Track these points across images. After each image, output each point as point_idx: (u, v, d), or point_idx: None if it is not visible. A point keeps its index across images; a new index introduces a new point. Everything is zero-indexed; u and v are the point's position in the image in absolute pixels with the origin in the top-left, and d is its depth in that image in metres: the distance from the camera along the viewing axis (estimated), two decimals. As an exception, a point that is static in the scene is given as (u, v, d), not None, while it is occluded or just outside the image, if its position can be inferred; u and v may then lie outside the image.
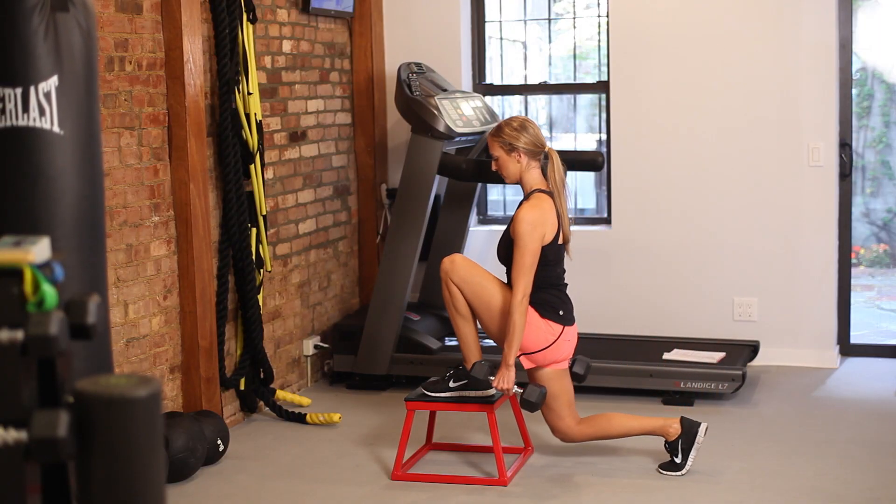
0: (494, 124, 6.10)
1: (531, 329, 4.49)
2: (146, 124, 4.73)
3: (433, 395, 4.61)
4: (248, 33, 5.23)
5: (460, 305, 4.56)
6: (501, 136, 4.54)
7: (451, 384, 4.60)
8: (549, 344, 4.53)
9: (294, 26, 5.88)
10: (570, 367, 4.66)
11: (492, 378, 4.48)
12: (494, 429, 4.53)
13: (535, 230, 4.44)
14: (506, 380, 4.47)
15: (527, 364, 4.56)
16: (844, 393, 5.74)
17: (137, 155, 4.68)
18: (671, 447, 4.58)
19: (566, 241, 4.60)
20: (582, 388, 5.70)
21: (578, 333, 6.22)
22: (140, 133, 4.69)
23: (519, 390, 4.51)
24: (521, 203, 4.56)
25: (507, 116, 7.04)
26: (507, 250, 4.56)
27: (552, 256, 4.52)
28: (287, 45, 5.81)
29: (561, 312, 4.56)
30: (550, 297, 4.54)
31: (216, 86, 5.16)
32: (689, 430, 4.57)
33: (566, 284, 4.65)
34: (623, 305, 6.43)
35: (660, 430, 4.60)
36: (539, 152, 4.56)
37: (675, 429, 4.58)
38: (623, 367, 5.61)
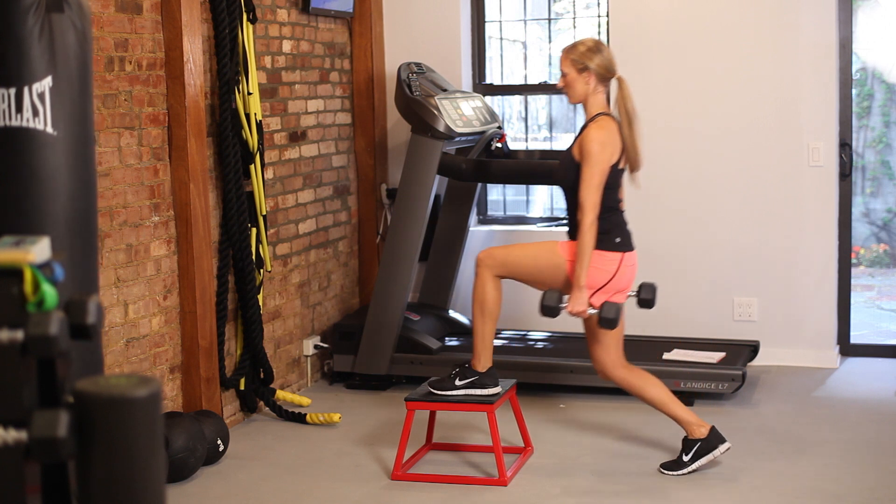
0: (495, 123, 6.12)
1: (590, 266, 4.41)
2: (146, 124, 4.73)
3: (440, 393, 4.60)
4: (248, 33, 5.23)
5: (490, 303, 4.53)
6: (574, 54, 4.47)
7: (458, 382, 4.59)
8: (611, 276, 4.46)
9: (294, 26, 5.88)
10: (638, 294, 4.59)
11: (563, 305, 4.42)
12: (494, 429, 4.53)
13: (605, 149, 4.38)
14: (580, 302, 4.40)
15: (594, 300, 4.46)
16: (844, 393, 5.74)
17: (137, 155, 4.68)
18: (688, 444, 4.55)
19: (634, 170, 4.54)
20: (582, 388, 5.71)
21: (579, 333, 6.25)
22: (140, 133, 4.69)
23: (594, 310, 4.45)
24: (585, 124, 4.48)
25: (509, 115, 7.06)
26: (569, 172, 4.48)
27: (612, 180, 4.45)
28: (287, 45, 5.81)
29: (618, 240, 4.48)
30: (607, 225, 4.44)
31: (216, 86, 5.16)
32: (713, 440, 4.54)
33: (624, 211, 4.56)
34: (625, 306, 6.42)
35: (688, 424, 4.56)
36: (609, 77, 4.49)
37: (702, 431, 4.55)
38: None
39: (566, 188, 4.55)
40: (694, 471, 4.56)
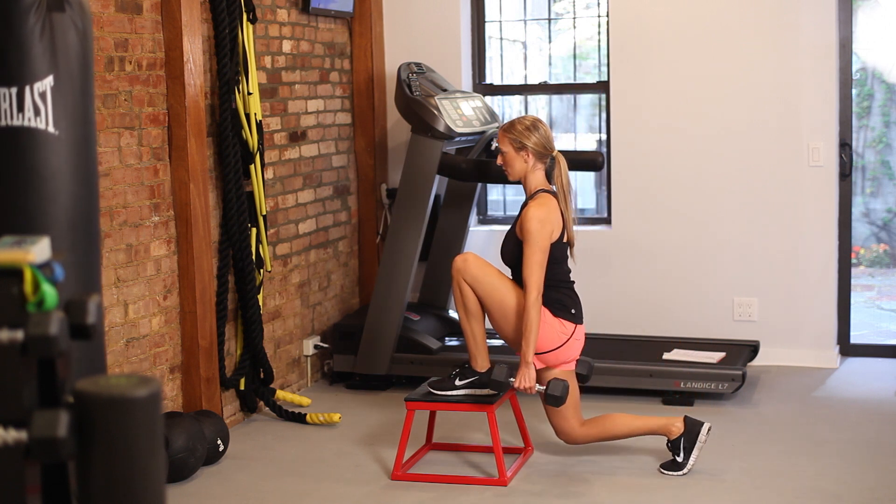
0: (495, 123, 6.12)
1: (544, 328, 4.51)
2: (146, 124, 4.73)
3: (440, 393, 4.61)
4: (248, 33, 5.23)
5: (471, 304, 4.57)
6: (513, 133, 4.56)
7: (458, 382, 4.60)
8: (561, 343, 4.55)
9: (294, 26, 5.88)
10: (575, 369, 4.68)
11: (512, 380, 4.49)
12: (494, 429, 4.53)
13: (545, 227, 4.47)
14: (527, 378, 4.47)
15: (537, 365, 4.56)
16: (844, 393, 5.74)
17: (137, 155, 4.68)
18: (673, 446, 4.58)
19: (571, 244, 4.64)
20: (581, 388, 5.70)
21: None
22: (140, 133, 4.69)
23: (541, 388, 4.50)
24: (525, 202, 4.59)
25: (509, 115, 7.05)
26: (513, 251, 4.58)
27: (559, 254, 4.55)
28: (287, 45, 5.81)
29: (573, 311, 4.59)
30: (561, 296, 4.57)
31: (216, 86, 5.16)
32: (692, 429, 4.56)
33: (573, 282, 4.67)
34: (623, 305, 6.43)
35: (663, 429, 4.60)
36: (547, 155, 4.61)
37: (677, 427, 4.58)
38: (623, 367, 5.61)
39: (511, 267, 4.64)
40: (692, 466, 4.56)
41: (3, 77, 2.76)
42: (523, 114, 6.91)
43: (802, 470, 4.62)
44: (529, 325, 4.42)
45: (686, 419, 4.59)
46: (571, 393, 4.61)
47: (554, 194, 4.58)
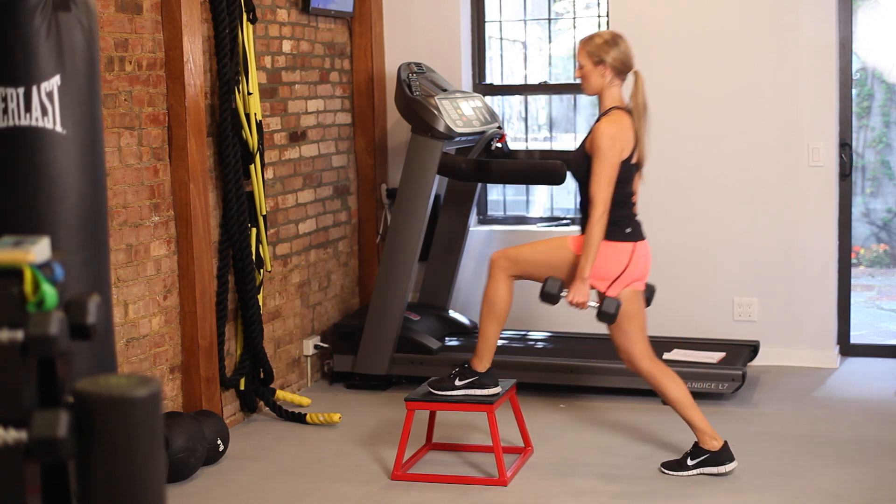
0: (495, 123, 6.12)
1: (603, 256, 4.42)
2: (146, 124, 4.73)
3: (440, 393, 4.60)
4: (248, 33, 5.23)
5: (499, 304, 4.53)
6: (591, 47, 4.45)
7: (458, 382, 4.59)
8: (625, 267, 4.46)
9: (294, 26, 5.88)
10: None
11: (564, 294, 4.43)
12: (494, 429, 4.53)
13: (616, 144, 4.38)
14: (581, 293, 4.40)
15: (611, 291, 4.47)
16: (844, 393, 5.74)
17: (137, 155, 4.68)
18: (697, 452, 4.54)
19: (640, 164, 4.55)
20: (581, 388, 5.71)
21: (579, 333, 6.25)
22: (140, 133, 4.69)
23: (594, 304, 4.45)
24: (598, 118, 4.48)
25: (509, 115, 7.06)
26: (580, 165, 4.48)
27: (624, 175, 4.45)
28: (287, 45, 5.81)
29: (628, 230, 4.48)
30: (617, 217, 4.44)
31: (216, 86, 5.16)
32: (722, 455, 4.52)
33: (635, 204, 4.57)
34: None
35: (702, 433, 4.54)
36: (625, 71, 4.49)
37: (715, 444, 4.53)
38: (623, 367, 5.60)
39: (579, 181, 4.55)
40: (691, 475, 4.55)
41: (11, 77, 2.76)
42: (523, 114, 6.92)
43: (802, 470, 4.62)
44: (590, 241, 4.34)
45: (726, 444, 4.54)
46: (640, 312, 4.53)
47: (628, 112, 4.49)
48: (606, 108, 4.49)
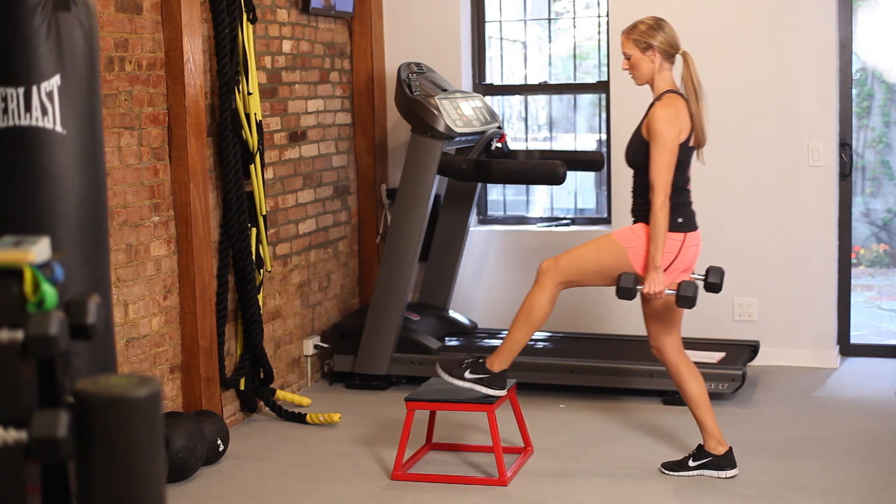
0: (495, 123, 6.12)
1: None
2: (146, 124, 4.73)
3: (446, 376, 4.56)
4: (248, 33, 5.23)
5: (537, 313, 4.48)
6: (636, 34, 4.41)
7: (467, 375, 4.56)
8: (674, 257, 4.42)
9: (294, 26, 5.88)
10: (705, 278, 4.52)
11: (640, 287, 4.38)
12: (494, 429, 4.53)
13: (672, 127, 4.33)
14: (656, 283, 4.35)
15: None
16: (844, 393, 5.74)
17: (137, 155, 4.68)
18: (701, 454, 4.54)
19: (700, 146, 4.49)
20: (581, 388, 5.71)
21: (577, 333, 6.25)
22: (140, 133, 4.69)
23: (671, 291, 4.42)
24: (652, 103, 4.43)
25: (509, 115, 7.06)
26: (636, 151, 4.43)
27: (681, 158, 4.40)
28: (287, 45, 5.81)
29: (680, 220, 4.43)
30: (670, 205, 4.39)
31: (216, 86, 5.16)
32: (725, 460, 4.52)
33: (689, 191, 4.52)
34: (623, 305, 6.41)
35: (710, 436, 4.53)
36: (674, 53, 4.45)
37: (720, 449, 4.53)
38: (623, 367, 5.61)
39: (635, 169, 4.49)
40: (691, 476, 4.55)
41: (10, 77, 2.76)
42: (523, 114, 6.92)
43: (802, 470, 4.62)
44: (657, 230, 4.30)
45: (730, 450, 4.54)
46: (674, 307, 4.49)
47: (682, 95, 4.44)
48: (659, 92, 4.43)
